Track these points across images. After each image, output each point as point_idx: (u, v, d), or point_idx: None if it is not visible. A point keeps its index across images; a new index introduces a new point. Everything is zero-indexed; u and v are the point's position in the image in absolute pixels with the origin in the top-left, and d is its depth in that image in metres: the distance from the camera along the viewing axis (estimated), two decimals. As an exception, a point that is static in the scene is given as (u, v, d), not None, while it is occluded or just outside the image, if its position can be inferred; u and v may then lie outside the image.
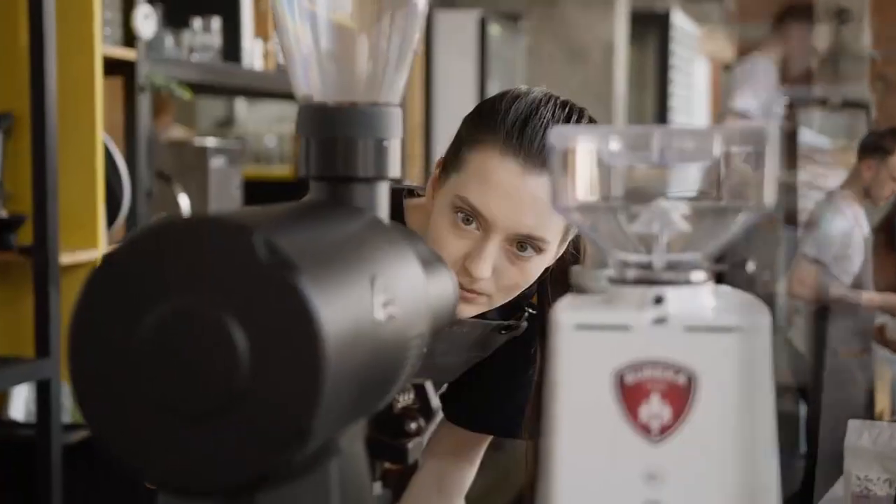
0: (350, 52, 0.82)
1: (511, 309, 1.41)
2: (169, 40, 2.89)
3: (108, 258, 0.63)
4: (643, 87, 7.40)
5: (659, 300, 0.70)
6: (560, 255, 1.34)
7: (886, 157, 4.43)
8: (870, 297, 4.47)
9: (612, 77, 5.53)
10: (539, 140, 1.23)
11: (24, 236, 2.37)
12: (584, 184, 0.72)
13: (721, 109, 4.63)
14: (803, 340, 4.64)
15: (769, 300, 4.34)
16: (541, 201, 1.22)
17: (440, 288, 0.85)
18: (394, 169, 0.83)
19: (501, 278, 1.27)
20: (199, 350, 0.61)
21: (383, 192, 0.83)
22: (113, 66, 2.59)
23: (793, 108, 4.65)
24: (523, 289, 1.30)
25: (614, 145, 0.71)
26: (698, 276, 0.71)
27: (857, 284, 4.39)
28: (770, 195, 0.70)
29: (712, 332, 0.68)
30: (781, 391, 4.65)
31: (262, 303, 0.61)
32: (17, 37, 2.40)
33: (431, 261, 0.86)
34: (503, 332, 1.42)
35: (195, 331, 0.61)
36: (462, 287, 1.25)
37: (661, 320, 0.69)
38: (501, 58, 4.97)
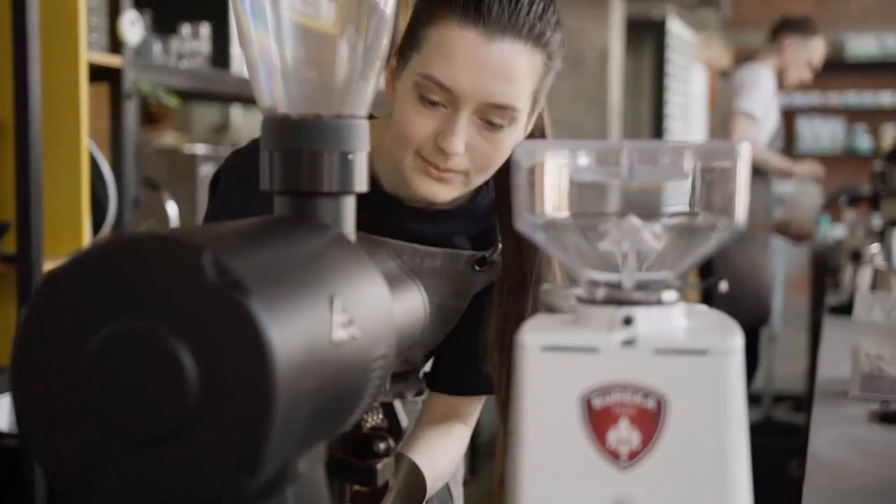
0: (315, 62, 0.80)
1: (483, 243, 1.40)
2: (157, 46, 2.86)
3: (53, 276, 0.61)
4: (639, 93, 7.38)
5: (628, 321, 0.67)
6: (529, 130, 1.32)
7: (807, 38, 4.52)
8: (783, 162, 4.61)
9: (607, 84, 5.50)
10: (497, 6, 1.21)
11: (8, 244, 2.35)
12: (550, 200, 0.70)
13: (722, 111, 4.62)
14: None
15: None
16: (506, 68, 1.20)
17: (407, 305, 0.83)
18: (360, 183, 0.81)
19: (475, 154, 1.24)
20: (146, 373, 0.58)
21: (349, 207, 0.81)
22: (99, 73, 2.57)
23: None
24: (497, 166, 1.27)
25: (582, 161, 0.69)
26: (670, 295, 0.69)
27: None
28: (742, 213, 0.68)
29: (683, 354, 0.66)
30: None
31: (212, 325, 0.58)
32: (1, 41, 2.37)
33: (398, 277, 0.84)
34: (477, 267, 1.39)
35: (142, 353, 0.59)
36: (437, 167, 1.24)
37: (629, 342, 0.66)
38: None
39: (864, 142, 9.94)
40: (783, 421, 5.23)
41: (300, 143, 0.79)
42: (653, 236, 0.69)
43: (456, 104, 1.22)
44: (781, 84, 4.60)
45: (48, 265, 2.35)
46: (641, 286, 0.69)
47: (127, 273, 0.60)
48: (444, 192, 1.27)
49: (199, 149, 3.08)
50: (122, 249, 0.60)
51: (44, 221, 2.34)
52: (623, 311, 0.68)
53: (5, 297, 2.38)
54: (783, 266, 5.99)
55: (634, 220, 0.70)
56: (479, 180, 1.28)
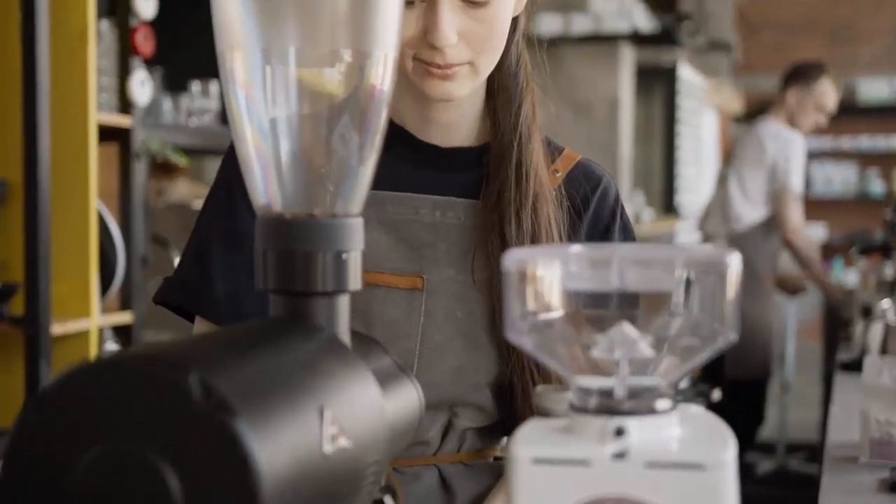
0: (310, 161, 0.80)
1: None
2: (167, 103, 2.88)
3: (41, 396, 0.60)
4: (650, 139, 7.39)
5: (620, 432, 0.67)
6: None
7: (811, 85, 4.50)
8: (821, 272, 4.74)
9: (617, 132, 5.52)
10: None
11: (16, 306, 2.35)
12: (540, 307, 0.70)
13: (743, 162, 4.59)
14: None
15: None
16: None
17: (401, 404, 0.82)
18: (355, 281, 0.81)
19: (471, 38, 1.15)
20: (132, 495, 0.58)
21: (343, 306, 0.80)
22: (109, 132, 2.58)
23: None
24: (501, 43, 1.18)
25: (573, 268, 0.69)
26: (663, 404, 0.69)
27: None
28: (734, 323, 0.67)
29: (676, 468, 0.65)
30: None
31: (198, 447, 0.58)
32: (11, 103, 2.39)
33: (392, 374, 0.84)
34: None
35: (128, 475, 0.58)
36: (437, 65, 1.16)
37: (621, 455, 0.66)
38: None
39: (876, 186, 9.92)
40: (797, 471, 5.19)
41: (294, 242, 0.79)
42: (646, 345, 0.68)
43: None
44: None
45: (56, 327, 2.36)
46: (633, 394, 0.69)
47: (113, 394, 0.59)
48: (455, 88, 1.18)
49: (209, 205, 3.08)
50: (108, 370, 0.60)
51: (52, 282, 2.35)
52: (615, 422, 0.67)
53: (13, 359, 2.39)
54: (796, 313, 5.96)
55: (627, 328, 0.69)
56: (487, 65, 1.19)
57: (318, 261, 0.78)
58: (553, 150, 1.30)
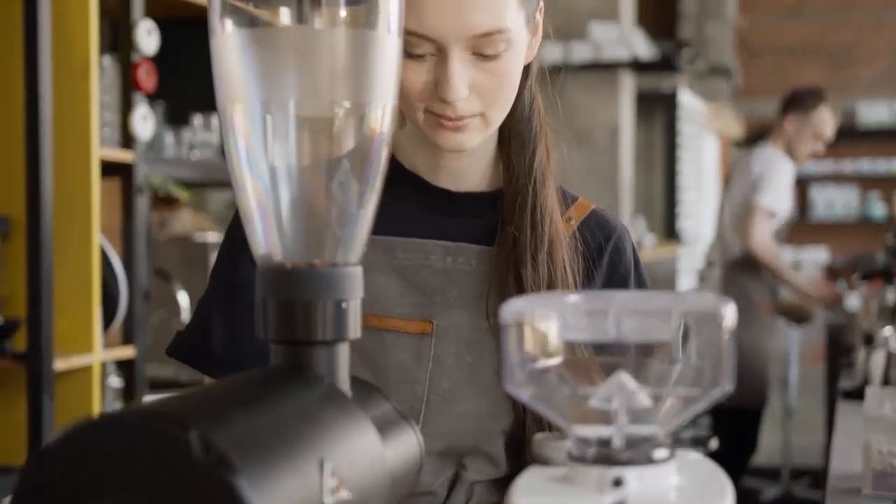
0: (310, 211, 0.81)
1: None
2: (169, 137, 2.90)
3: (42, 452, 0.61)
4: (651, 165, 7.41)
5: (618, 482, 0.67)
6: (539, 35, 1.22)
7: (808, 113, 4.49)
8: (796, 278, 4.62)
9: (618, 159, 5.53)
10: None
11: (19, 342, 2.36)
12: (538, 358, 0.70)
13: (737, 190, 4.60)
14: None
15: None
16: None
17: (401, 451, 0.83)
18: (354, 330, 0.81)
19: (482, 91, 1.15)
20: (133, 551, 0.59)
21: (343, 355, 0.81)
22: (111, 167, 2.60)
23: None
24: (512, 95, 1.17)
25: (570, 319, 0.70)
26: (661, 453, 0.69)
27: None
28: (730, 373, 0.68)
29: (673, 519, 0.65)
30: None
31: (199, 503, 0.59)
32: (14, 139, 2.41)
33: (392, 421, 0.84)
34: None
35: (130, 532, 0.59)
36: (448, 118, 1.15)
37: (619, 506, 0.66)
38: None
39: (878, 209, 9.94)
40: (802, 497, 5.17)
41: (294, 292, 0.79)
42: (643, 395, 0.69)
43: (441, 49, 1.12)
44: (794, 159, 4.61)
45: (59, 363, 2.36)
46: (631, 444, 0.69)
47: (115, 450, 0.60)
48: (467, 140, 1.18)
49: (211, 237, 3.10)
50: (109, 426, 0.60)
51: (55, 318, 2.36)
52: (613, 472, 0.67)
53: (16, 395, 2.39)
54: (798, 337, 5.96)
55: (624, 378, 0.70)
56: (499, 115, 1.18)
57: (318, 310, 0.79)
58: (567, 198, 1.29)
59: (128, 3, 2.59)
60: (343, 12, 0.79)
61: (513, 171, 1.25)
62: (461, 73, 1.13)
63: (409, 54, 1.13)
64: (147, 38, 2.61)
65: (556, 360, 0.71)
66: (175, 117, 2.96)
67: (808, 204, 10.17)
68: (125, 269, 2.60)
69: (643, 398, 0.69)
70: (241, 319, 1.19)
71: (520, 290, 1.19)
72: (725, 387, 0.68)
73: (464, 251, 1.24)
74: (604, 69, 5.30)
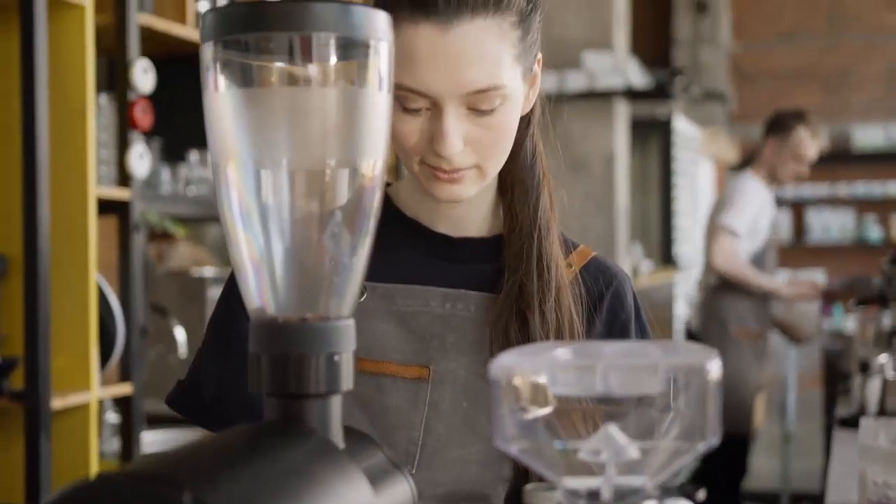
0: (302, 266, 0.82)
1: None
2: (166, 173, 2.91)
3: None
4: (647, 190, 7.43)
5: (608, 535, 0.68)
6: (536, 86, 1.23)
7: (786, 135, 4.48)
8: (768, 282, 4.51)
9: (613, 186, 5.55)
10: None
11: (16, 380, 2.36)
12: (527, 412, 0.71)
13: (711, 222, 4.64)
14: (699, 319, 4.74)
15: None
16: (472, 50, 1.11)
17: (394, 501, 0.83)
18: (347, 382, 0.82)
19: (478, 145, 1.15)
20: None
21: (336, 407, 0.82)
22: (108, 205, 2.61)
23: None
24: (507, 147, 1.18)
25: (558, 374, 0.71)
26: (649, 505, 0.70)
27: (757, 264, 4.50)
28: (715, 427, 0.69)
29: (661, 572, 0.66)
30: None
31: (192, 565, 0.59)
32: (11, 178, 2.42)
33: (385, 471, 0.85)
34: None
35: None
36: (443, 170, 1.16)
37: (608, 560, 0.67)
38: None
39: (874, 232, 9.96)
40: (802, 523, 5.17)
41: (287, 346, 0.80)
42: (632, 447, 0.70)
43: (436, 104, 1.13)
44: (778, 181, 4.60)
45: (56, 401, 2.37)
46: (620, 495, 0.70)
47: (109, 513, 0.61)
48: (463, 191, 1.18)
49: (208, 272, 3.11)
50: (103, 488, 0.61)
51: (52, 356, 2.36)
52: (602, 526, 0.68)
53: (13, 435, 2.39)
54: (796, 361, 5.97)
55: (613, 431, 0.71)
56: (494, 167, 1.19)
57: (311, 364, 0.80)
58: (567, 245, 1.30)
59: (124, 43, 2.61)
60: (334, 70, 0.81)
61: (516, 218, 1.25)
62: (456, 128, 1.13)
63: (404, 108, 1.14)
64: (143, 76, 2.63)
65: (545, 413, 0.72)
66: (171, 153, 2.97)
67: (805, 227, 10.19)
68: (122, 306, 2.61)
69: (632, 451, 0.70)
70: (234, 372, 1.19)
71: (526, 337, 1.19)
72: (712, 440, 0.69)
73: (463, 297, 1.24)
74: (598, 97, 5.33)
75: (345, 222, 0.83)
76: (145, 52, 2.71)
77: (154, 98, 2.75)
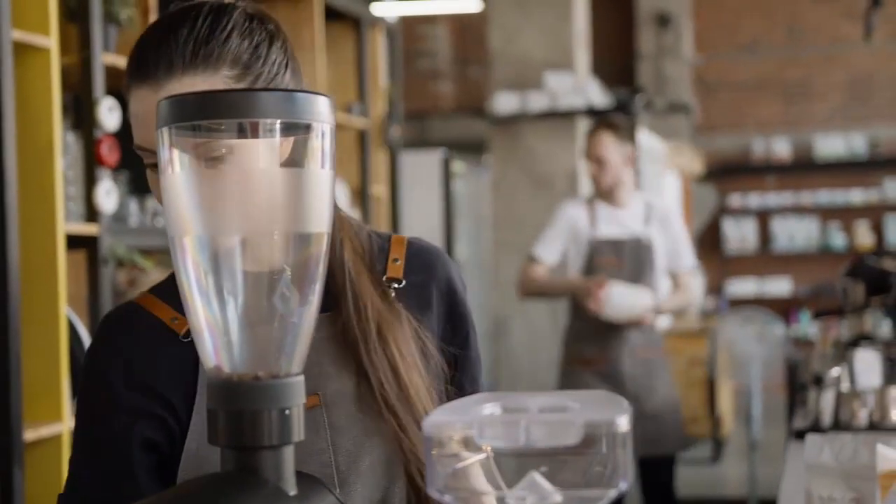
0: (253, 329, 0.90)
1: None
2: (133, 206, 2.97)
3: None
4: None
5: (531, 575, 0.76)
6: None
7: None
8: (561, 283, 4.13)
9: (577, 203, 5.64)
10: (153, 56, 1.18)
11: (-12, 414, 2.42)
12: (457, 464, 0.79)
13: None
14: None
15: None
16: None
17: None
18: (298, 433, 0.90)
19: None
20: None
21: (288, 456, 0.89)
22: (76, 241, 2.67)
23: None
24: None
25: (486, 430, 0.78)
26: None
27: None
28: (626, 475, 0.77)
29: None
30: None
31: None
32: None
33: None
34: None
35: None
36: None
37: None
38: (466, 192, 5.07)
39: (838, 239, 10.12)
40: (768, 531, 5.25)
41: (242, 403, 0.88)
42: (555, 493, 0.78)
43: None
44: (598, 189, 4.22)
45: (28, 433, 2.42)
46: (545, 538, 0.78)
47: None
48: None
49: (177, 300, 3.16)
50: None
51: (23, 389, 2.42)
52: (526, 566, 0.76)
53: (-14, 468, 2.44)
54: (760, 368, 6.07)
55: (537, 478, 0.78)
56: None
57: (264, 418, 0.87)
58: (381, 240, 1.35)
59: (89, 82, 2.68)
60: (279, 151, 0.88)
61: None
62: None
63: (147, 166, 1.22)
64: (109, 114, 2.69)
65: (473, 466, 0.80)
66: (138, 186, 3.03)
67: (770, 236, 10.34)
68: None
69: (555, 496, 0.78)
70: (114, 474, 1.21)
71: (366, 375, 1.26)
72: (623, 485, 0.77)
73: (321, 321, 1.25)
74: (560, 117, 5.43)
75: (293, 286, 0.90)
76: (109, 88, 2.78)
77: (120, 132, 2.81)
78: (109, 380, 1.25)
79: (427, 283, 1.34)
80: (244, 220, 0.88)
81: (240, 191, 0.88)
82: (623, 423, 0.76)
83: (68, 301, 2.60)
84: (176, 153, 0.87)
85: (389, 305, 1.29)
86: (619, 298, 3.91)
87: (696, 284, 4.14)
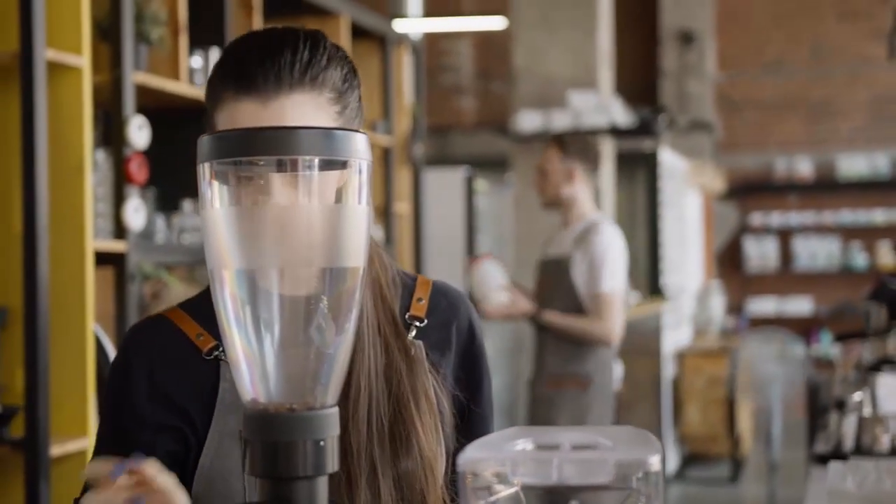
0: (289, 361, 0.91)
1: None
2: (161, 223, 3.00)
3: None
4: (634, 222, 7.53)
5: None
6: None
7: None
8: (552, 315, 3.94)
9: (600, 221, 5.64)
10: (262, 71, 1.20)
11: (16, 429, 2.44)
12: (491, 499, 0.80)
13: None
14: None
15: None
16: (293, 119, 1.19)
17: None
18: (332, 465, 0.91)
19: None
20: None
21: (322, 487, 0.91)
22: (104, 257, 2.70)
23: None
24: None
25: (519, 467, 0.80)
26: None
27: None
28: (658, 512, 0.78)
29: None
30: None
31: None
32: (11, 233, 2.51)
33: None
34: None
35: None
36: None
37: None
38: (489, 210, 5.08)
39: (859, 259, 10.07)
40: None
41: (277, 434, 0.89)
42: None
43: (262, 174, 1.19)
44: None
45: (55, 448, 2.45)
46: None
47: None
48: None
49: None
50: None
51: (50, 404, 2.44)
52: None
53: (12, 482, 2.47)
54: (781, 390, 6.05)
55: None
56: None
57: (299, 449, 0.89)
58: (408, 281, 1.36)
59: (120, 101, 2.71)
60: (318, 188, 0.90)
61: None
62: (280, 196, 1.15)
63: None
64: (138, 133, 2.72)
65: (506, 496, 0.81)
66: (166, 203, 3.06)
67: (791, 255, 10.30)
68: (118, 353, 2.69)
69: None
70: None
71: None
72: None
73: None
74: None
75: (328, 321, 0.92)
76: (139, 106, 2.81)
77: (149, 149, 2.84)
78: (132, 390, 1.27)
79: (448, 325, 1.36)
80: (282, 254, 0.89)
81: (279, 226, 0.90)
82: (655, 462, 0.77)
83: (95, 317, 2.63)
84: (216, 188, 0.89)
85: (402, 344, 1.30)
86: (481, 275, 3.94)
87: (612, 312, 3.88)
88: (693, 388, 7.32)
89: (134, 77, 2.77)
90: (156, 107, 2.98)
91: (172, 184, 3.05)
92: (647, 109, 6.41)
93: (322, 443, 0.90)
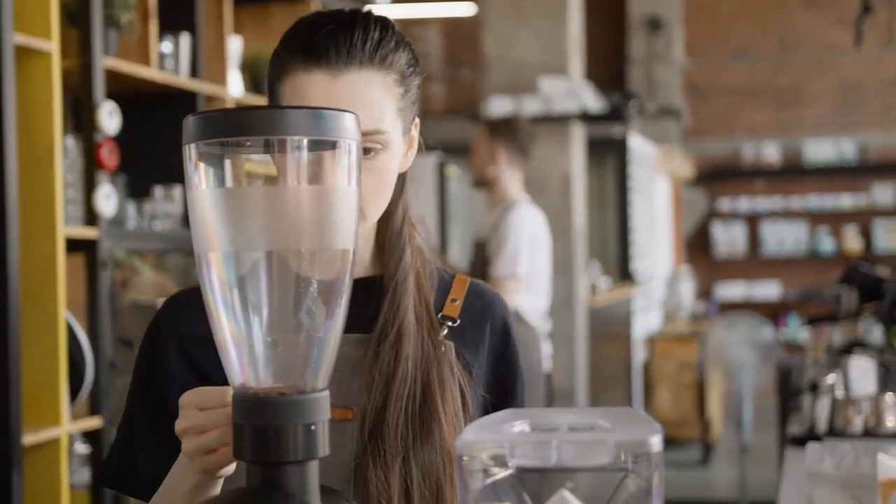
0: (279, 345, 0.90)
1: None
2: (132, 210, 2.97)
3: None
4: (604, 208, 7.55)
5: None
6: (414, 148, 1.30)
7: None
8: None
9: (570, 206, 5.65)
10: (334, 44, 1.21)
11: (-13, 418, 2.41)
12: (488, 481, 0.79)
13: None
14: None
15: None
16: (358, 96, 1.20)
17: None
18: (323, 448, 0.90)
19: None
20: None
21: (313, 471, 0.89)
22: (75, 244, 2.66)
23: None
24: (387, 193, 1.25)
25: (517, 449, 0.78)
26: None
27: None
28: (660, 494, 0.77)
29: None
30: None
31: None
32: (-20, 221, 2.46)
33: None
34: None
35: None
36: None
37: None
38: (460, 196, 5.07)
39: (826, 243, 10.14)
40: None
41: (267, 418, 0.88)
42: (581, 510, 0.78)
43: None
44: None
45: (27, 437, 2.42)
46: (573, 556, 0.78)
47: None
48: None
49: (173, 303, 3.15)
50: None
51: (22, 393, 2.41)
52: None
53: (-15, 472, 2.43)
54: (751, 373, 6.08)
55: (567, 495, 0.79)
56: (375, 212, 1.26)
57: (290, 434, 0.88)
58: (446, 278, 1.37)
59: (89, 86, 2.67)
60: (306, 169, 0.88)
61: (383, 269, 1.31)
62: None
63: None
64: (109, 119, 2.69)
65: (503, 483, 0.80)
66: (137, 190, 3.03)
67: (759, 240, 10.36)
68: (90, 341, 2.66)
69: (582, 513, 0.78)
70: (165, 437, 1.20)
71: (371, 376, 1.25)
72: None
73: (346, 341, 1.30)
74: (554, 121, 5.43)
75: (318, 304, 0.91)
76: (110, 92, 2.77)
77: (119, 136, 2.80)
78: (162, 357, 1.27)
79: (482, 325, 1.35)
80: (269, 235, 0.88)
81: (265, 208, 0.88)
82: (655, 443, 0.76)
83: (67, 304, 2.60)
84: (202, 169, 0.87)
85: (433, 339, 1.29)
86: None
87: (505, 296, 3.78)
88: (663, 373, 7.36)
89: (104, 62, 2.73)
90: (126, 92, 2.94)
91: (143, 170, 3.02)
92: (617, 95, 6.41)
93: (313, 427, 0.88)
